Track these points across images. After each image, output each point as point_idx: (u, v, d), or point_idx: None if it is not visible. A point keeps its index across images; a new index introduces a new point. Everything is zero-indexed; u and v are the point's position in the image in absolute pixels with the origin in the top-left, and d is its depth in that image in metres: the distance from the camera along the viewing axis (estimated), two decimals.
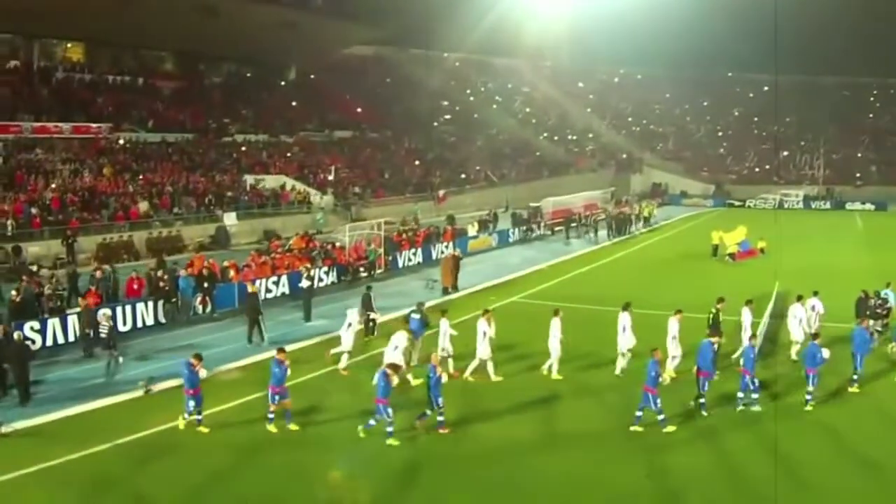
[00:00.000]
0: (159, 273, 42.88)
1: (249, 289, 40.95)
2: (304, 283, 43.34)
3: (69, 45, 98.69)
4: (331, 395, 30.26)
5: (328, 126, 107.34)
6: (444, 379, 27.17)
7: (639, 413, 26.42)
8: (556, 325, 32.11)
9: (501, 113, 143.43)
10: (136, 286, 41.88)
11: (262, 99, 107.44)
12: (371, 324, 38.95)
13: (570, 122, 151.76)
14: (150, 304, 40.63)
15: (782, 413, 27.73)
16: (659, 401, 26.15)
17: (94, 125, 78.54)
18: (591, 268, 62.48)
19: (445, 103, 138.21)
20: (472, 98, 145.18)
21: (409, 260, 60.18)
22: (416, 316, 34.18)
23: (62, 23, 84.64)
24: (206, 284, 43.09)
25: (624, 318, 32.64)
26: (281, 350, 27.83)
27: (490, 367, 31.96)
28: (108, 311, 35.13)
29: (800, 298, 35.90)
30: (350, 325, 33.24)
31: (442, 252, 60.38)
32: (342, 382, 31.92)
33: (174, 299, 41.74)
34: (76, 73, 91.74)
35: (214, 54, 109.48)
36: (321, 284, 50.03)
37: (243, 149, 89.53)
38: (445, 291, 49.82)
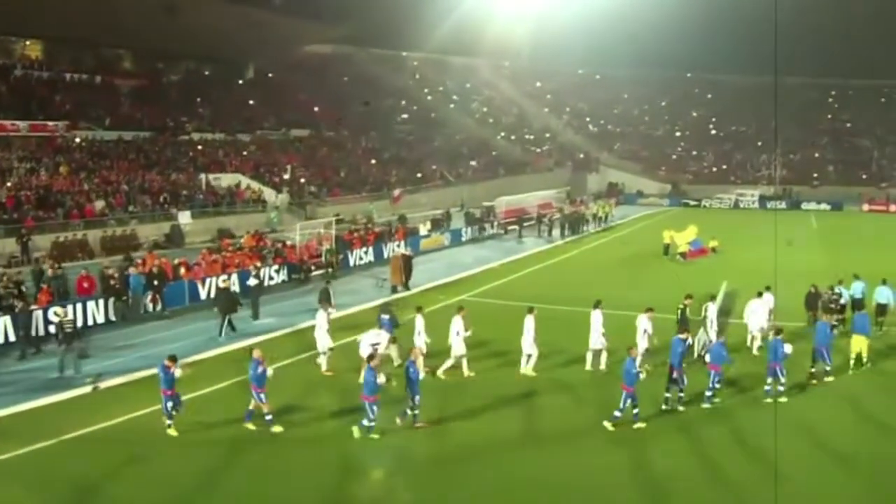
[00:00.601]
0: (110, 271, 43.38)
1: (222, 284, 42.43)
2: (252, 282, 43.99)
3: (28, 42, 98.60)
4: (288, 391, 30.21)
5: (285, 125, 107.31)
6: (422, 375, 27.62)
7: (617, 413, 26.72)
8: (530, 323, 32.51)
9: (459, 112, 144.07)
10: (86, 285, 42.01)
11: (220, 97, 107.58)
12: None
13: (527, 122, 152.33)
14: (101, 301, 40.97)
15: (751, 406, 29.08)
16: (629, 400, 26.53)
17: (51, 123, 78.41)
18: (541, 267, 62.85)
19: (403, 102, 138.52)
20: (430, 97, 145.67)
21: (361, 259, 60.50)
22: (385, 316, 34.35)
23: (21, 20, 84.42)
24: (156, 283, 43.51)
25: (596, 316, 33.33)
26: (255, 349, 27.73)
27: (464, 363, 32.48)
28: (59, 309, 35.70)
29: (760, 294, 37.23)
30: (321, 326, 33.41)
31: (393, 251, 60.62)
32: (296, 378, 32.21)
33: (124, 297, 42.15)
34: (34, 71, 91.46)
35: (174, 52, 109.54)
36: (272, 283, 50.52)
37: (199, 147, 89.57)
38: (394, 290, 50.06)
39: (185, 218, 69.14)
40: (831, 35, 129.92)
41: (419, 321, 33.14)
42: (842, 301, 39.28)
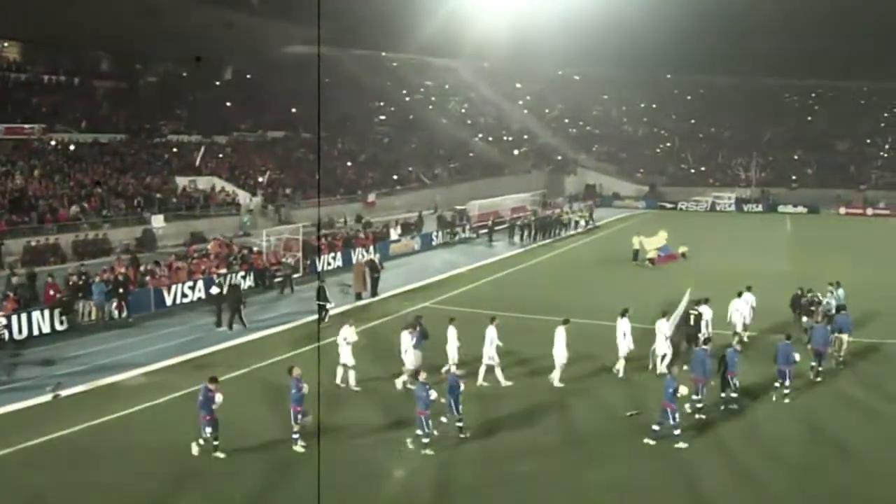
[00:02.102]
0: (73, 279, 43.92)
1: (232, 281, 45.25)
2: (214, 290, 44.55)
3: (5, 44, 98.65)
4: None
5: (262, 126, 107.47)
6: (463, 387, 27.67)
7: (656, 427, 27.03)
8: (561, 335, 32.77)
9: (437, 113, 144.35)
10: (52, 292, 42.33)
11: (197, 99, 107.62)
12: (324, 312, 41.40)
13: (506, 123, 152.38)
14: (47, 311, 40.86)
15: (764, 406, 30.72)
16: (678, 415, 26.85)
17: (27, 126, 78.55)
18: (509, 272, 62.81)
19: (381, 104, 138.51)
20: (408, 98, 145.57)
21: (329, 264, 60.35)
22: (416, 328, 33.32)
23: None
24: (121, 290, 43.92)
25: (623, 324, 33.96)
26: (294, 367, 26.89)
27: (499, 372, 32.79)
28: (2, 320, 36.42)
29: (740, 294, 39.11)
30: (345, 339, 32.57)
31: (363, 256, 60.72)
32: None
33: (75, 307, 42.38)
34: (11, 73, 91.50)
35: (152, 54, 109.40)
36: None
37: (175, 150, 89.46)
38: (358, 297, 50.05)
39: (157, 222, 69.28)
40: (811, 37, 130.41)
41: (451, 332, 33.15)
42: (829, 306, 40.32)
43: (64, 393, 31.54)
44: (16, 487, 23.91)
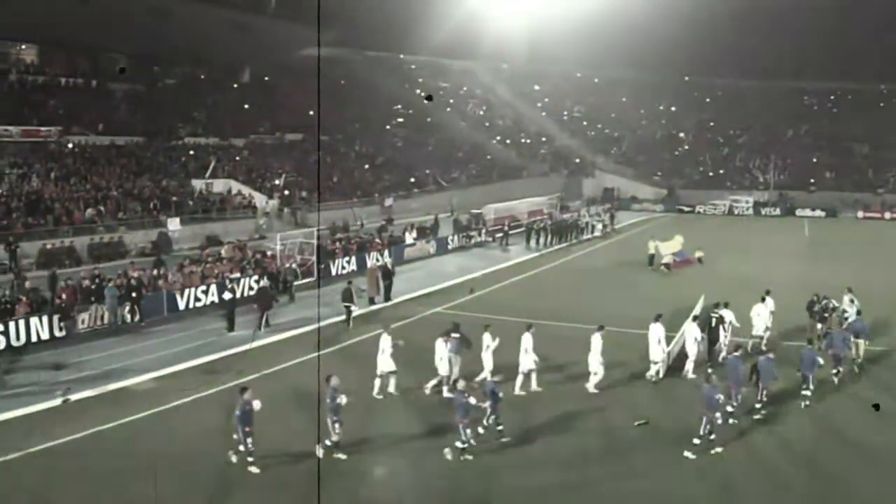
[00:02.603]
0: (85, 283, 44.00)
1: (261, 283, 47.10)
2: (227, 295, 44.53)
3: (23, 46, 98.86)
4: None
5: (280, 129, 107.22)
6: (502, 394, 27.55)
7: (712, 436, 26.79)
8: (597, 341, 32.76)
9: (455, 116, 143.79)
10: (64, 296, 42.48)
11: (214, 102, 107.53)
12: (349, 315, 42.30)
13: (523, 126, 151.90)
14: (45, 318, 40.28)
15: (791, 413, 30.51)
16: (710, 425, 26.61)
17: (43, 128, 78.86)
18: (524, 277, 62.33)
19: (399, 106, 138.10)
20: (425, 101, 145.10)
21: (343, 268, 59.86)
22: (456, 335, 33.13)
23: (16, 24, 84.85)
24: (134, 294, 43.95)
25: (657, 329, 33.97)
26: (332, 377, 26.30)
27: (533, 378, 32.69)
28: None
29: (763, 299, 39.12)
30: (384, 350, 32.27)
31: (377, 260, 60.86)
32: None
33: (72, 314, 41.84)
34: (29, 76, 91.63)
35: (169, 57, 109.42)
36: (252, 293, 49.25)
37: (192, 153, 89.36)
38: (371, 301, 49.84)
39: (173, 225, 69.07)
40: (830, 39, 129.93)
41: (487, 338, 32.91)
42: (844, 312, 40.25)
43: (73, 397, 31.51)
44: (23, 491, 23.92)
